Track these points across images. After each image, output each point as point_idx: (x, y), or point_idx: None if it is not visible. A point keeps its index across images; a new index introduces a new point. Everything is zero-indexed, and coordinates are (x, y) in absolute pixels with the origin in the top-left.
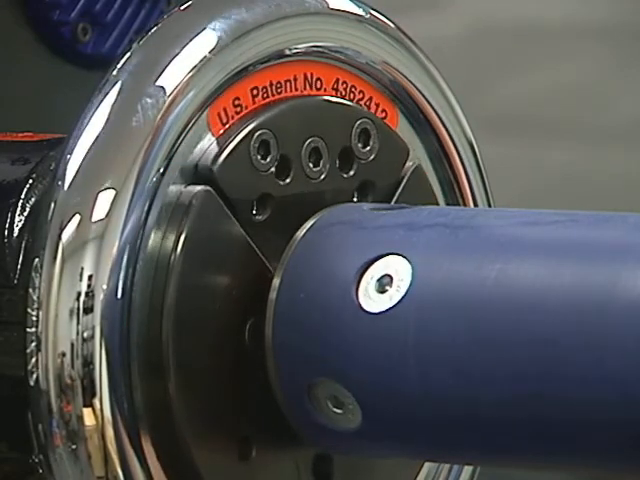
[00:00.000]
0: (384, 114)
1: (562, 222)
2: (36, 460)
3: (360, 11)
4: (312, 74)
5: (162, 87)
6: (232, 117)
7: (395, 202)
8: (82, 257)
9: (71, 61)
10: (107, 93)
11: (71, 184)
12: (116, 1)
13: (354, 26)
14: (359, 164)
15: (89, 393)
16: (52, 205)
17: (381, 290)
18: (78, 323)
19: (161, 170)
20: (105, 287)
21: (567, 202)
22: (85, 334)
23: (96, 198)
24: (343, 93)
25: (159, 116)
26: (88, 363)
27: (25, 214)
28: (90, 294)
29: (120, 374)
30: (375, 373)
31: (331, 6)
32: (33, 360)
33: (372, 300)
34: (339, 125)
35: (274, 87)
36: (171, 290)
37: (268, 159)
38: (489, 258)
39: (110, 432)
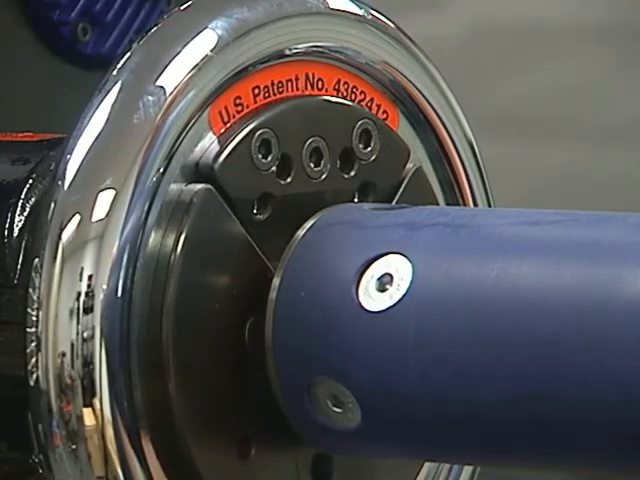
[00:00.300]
0: (385, 115)
1: (562, 222)
2: (36, 460)
3: (360, 11)
4: (314, 74)
5: (163, 86)
6: (233, 116)
7: (396, 203)
8: (82, 257)
9: (71, 61)
10: (108, 92)
11: (71, 184)
12: (116, 1)
13: (354, 26)
14: (360, 165)
15: (89, 393)
16: (52, 205)
17: (381, 289)
18: (78, 323)
19: (162, 169)
20: (105, 287)
21: (567, 202)
22: (85, 334)
23: (96, 198)
24: (344, 94)
25: (160, 114)
26: (88, 363)
27: (25, 214)
28: (90, 294)
29: (120, 374)
30: (375, 372)
31: (331, 6)
32: (33, 360)
33: (372, 299)
34: (340, 125)
35: (275, 87)
36: (171, 289)
37: (269, 158)
38: (489, 258)
39: (110, 432)
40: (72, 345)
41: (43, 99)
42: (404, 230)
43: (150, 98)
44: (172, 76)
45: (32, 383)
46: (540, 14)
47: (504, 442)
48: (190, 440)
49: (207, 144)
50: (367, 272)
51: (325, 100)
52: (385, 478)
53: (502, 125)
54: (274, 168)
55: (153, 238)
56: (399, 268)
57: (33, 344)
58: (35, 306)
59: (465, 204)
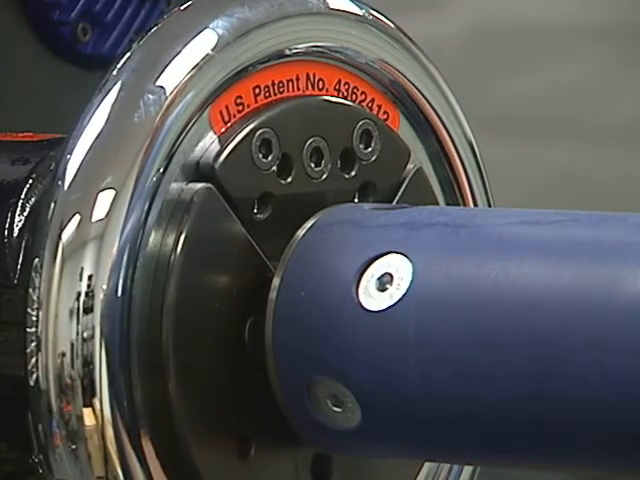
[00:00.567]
0: (386, 116)
1: (562, 222)
2: (36, 460)
3: (360, 11)
4: (314, 74)
5: (163, 85)
6: (234, 115)
7: (396, 203)
8: (82, 257)
9: (71, 61)
10: (108, 92)
11: (71, 184)
12: (116, 1)
13: (355, 26)
14: (360, 165)
15: (89, 393)
16: (52, 205)
17: (381, 288)
18: (78, 323)
19: (162, 168)
20: (105, 287)
21: (567, 202)
22: (85, 334)
23: (96, 198)
24: (345, 94)
25: (161, 113)
26: (88, 363)
27: (25, 214)
28: (90, 294)
29: (120, 374)
30: (375, 372)
31: (332, 6)
32: (33, 360)
33: (372, 298)
34: (341, 126)
35: (276, 86)
36: (171, 289)
37: (270, 158)
38: (489, 258)
39: (110, 432)
40: (72, 345)
41: (43, 99)
42: (404, 230)
43: (150, 97)
44: (172, 76)
45: (32, 383)
46: (540, 14)
47: (504, 442)
48: (190, 440)
49: (208, 143)
50: (367, 272)
51: (326, 100)
52: (385, 478)
53: (502, 125)
54: (274, 168)
55: (153, 238)
56: (399, 268)
57: (33, 344)
58: (35, 306)
59: (465, 204)
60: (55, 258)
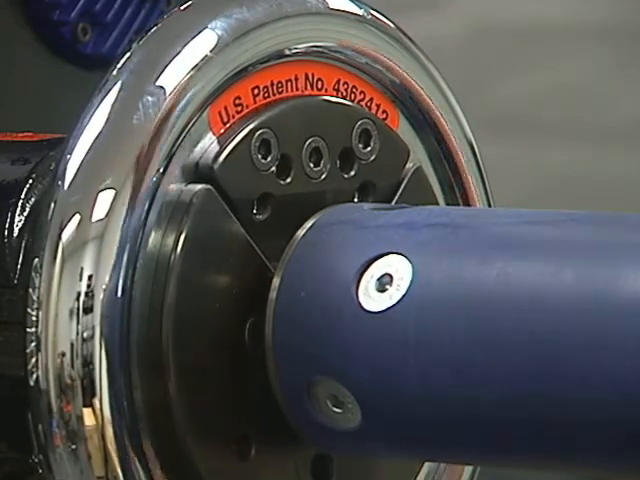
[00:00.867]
0: (385, 115)
1: (562, 222)
2: (36, 460)
3: (360, 11)
4: (313, 74)
5: (163, 86)
6: (233, 116)
7: (396, 203)
8: (82, 257)
9: (71, 61)
10: (108, 92)
11: (71, 184)
12: (116, 1)
13: (354, 26)
14: (360, 165)
15: (89, 393)
16: (52, 205)
17: (381, 289)
18: (78, 323)
19: (161, 169)
20: (105, 287)
21: (567, 202)
22: (85, 334)
23: (96, 198)
24: (344, 94)
25: (160, 114)
26: (88, 363)
27: (25, 214)
28: (90, 294)
29: (120, 374)
30: (375, 372)
31: (331, 6)
32: (33, 360)
33: (372, 299)
34: (340, 125)
35: (275, 87)
36: (171, 289)
37: (269, 158)
38: (489, 258)
39: (110, 432)
40: (72, 345)
41: (43, 99)
42: (404, 230)
43: (150, 99)
44: (172, 76)
45: (32, 383)
46: (540, 14)
47: (504, 442)
48: (190, 440)
49: (207, 144)
50: (367, 272)
51: (325, 100)
52: (385, 478)
53: (502, 125)
54: (274, 168)
55: (153, 238)
56: (399, 268)
57: (33, 344)
58: (35, 306)
59: (465, 204)
60: (55, 258)
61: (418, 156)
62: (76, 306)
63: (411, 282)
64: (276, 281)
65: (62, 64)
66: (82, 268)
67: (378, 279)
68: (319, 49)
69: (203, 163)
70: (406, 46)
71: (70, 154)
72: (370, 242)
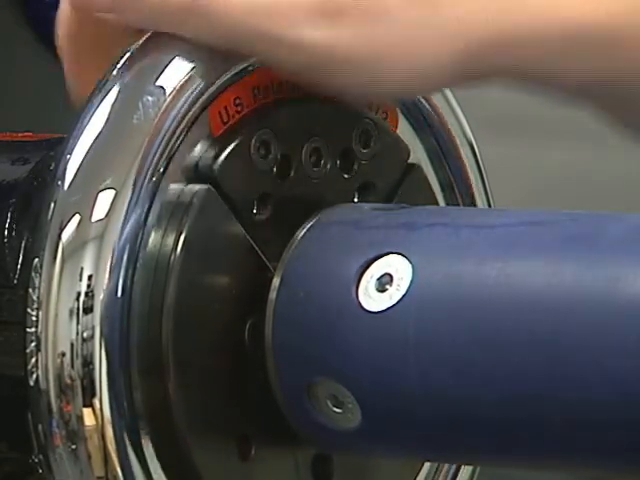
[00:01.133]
0: (385, 115)
1: (562, 222)
2: (36, 460)
3: None
4: None
5: (162, 86)
6: (233, 116)
7: (395, 203)
8: (82, 257)
9: None
10: (108, 92)
11: (71, 184)
12: None
13: None
14: (360, 165)
15: (89, 393)
16: (52, 205)
17: (381, 289)
18: (78, 323)
19: (161, 169)
20: (105, 287)
21: (567, 202)
22: (85, 334)
23: (96, 198)
24: None
25: (159, 115)
26: (88, 363)
27: (25, 214)
28: (90, 294)
29: (120, 374)
30: (375, 372)
31: None
32: (33, 360)
33: (372, 299)
34: (340, 126)
35: (275, 87)
36: (171, 289)
37: (269, 158)
38: (489, 258)
39: (110, 432)
40: (72, 345)
41: (43, 99)
42: (404, 230)
43: (149, 99)
44: (171, 77)
45: (32, 383)
46: None
47: (504, 442)
48: (190, 440)
49: (207, 145)
50: (367, 272)
51: (324, 100)
52: (385, 478)
53: (502, 125)
54: (274, 168)
55: (153, 238)
56: (399, 268)
57: (33, 344)
58: (35, 306)
59: (465, 204)
60: (55, 258)
61: (418, 156)
62: (76, 306)
63: (411, 282)
64: (276, 281)
65: (62, 64)
66: (82, 268)
67: (378, 279)
68: None
69: (203, 163)
70: None
71: (70, 154)
72: (370, 242)
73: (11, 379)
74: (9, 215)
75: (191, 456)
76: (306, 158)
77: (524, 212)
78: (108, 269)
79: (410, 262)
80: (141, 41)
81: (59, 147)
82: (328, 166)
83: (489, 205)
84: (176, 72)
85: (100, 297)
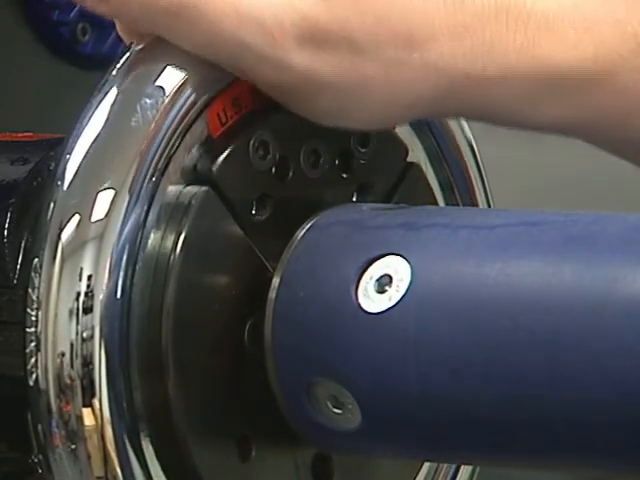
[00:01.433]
0: None
1: (562, 222)
2: (35, 460)
3: None
4: None
5: (161, 87)
6: (231, 117)
7: (394, 203)
8: (81, 257)
9: (70, 61)
10: (107, 93)
11: (70, 184)
12: None
13: None
14: (358, 165)
15: (88, 393)
16: (52, 205)
17: (380, 290)
18: (77, 323)
19: (160, 170)
20: (104, 287)
21: (567, 202)
22: (84, 334)
23: (95, 198)
24: None
25: (157, 117)
26: (87, 363)
27: (25, 214)
28: (90, 294)
29: (120, 374)
30: (374, 373)
31: None
32: (32, 360)
33: (371, 300)
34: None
35: None
36: (170, 290)
37: (267, 159)
38: (489, 258)
39: (109, 432)
40: (72, 345)
41: (43, 99)
42: (403, 231)
43: (148, 101)
44: (170, 78)
45: (31, 383)
46: None
47: (504, 442)
48: (190, 440)
49: (205, 146)
50: (366, 273)
51: None
52: (385, 478)
53: None
54: (272, 169)
55: (152, 239)
56: (398, 269)
57: (32, 344)
58: (34, 306)
59: (464, 204)
60: (54, 258)
61: (417, 155)
62: (76, 306)
63: (410, 283)
64: (275, 281)
65: (62, 64)
66: (82, 268)
67: (377, 280)
68: None
69: (202, 164)
70: None
71: (70, 154)
72: (369, 243)
73: (11, 379)
74: (9, 215)
75: (191, 456)
76: (304, 159)
77: (524, 212)
78: (108, 269)
79: (409, 263)
80: (142, 43)
81: (59, 147)
82: (327, 166)
83: (489, 205)
84: (174, 74)
85: (100, 297)
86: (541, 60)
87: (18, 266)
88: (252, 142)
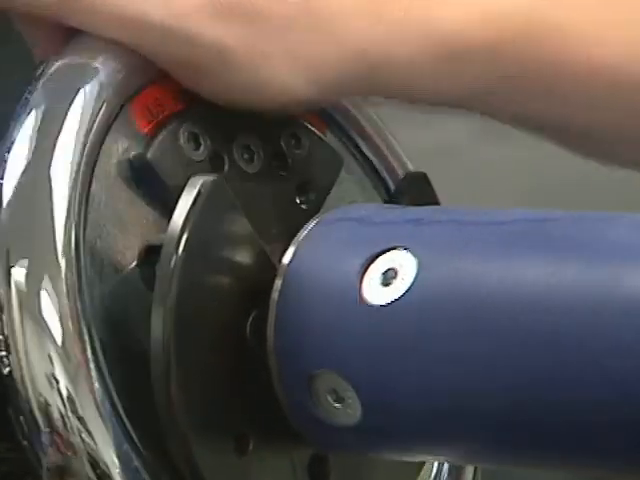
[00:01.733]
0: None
1: (562, 222)
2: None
3: None
4: None
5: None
6: (159, 114)
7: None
8: None
9: None
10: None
11: None
12: None
13: None
14: (294, 163)
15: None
16: None
17: (386, 283)
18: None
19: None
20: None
21: (567, 202)
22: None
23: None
24: None
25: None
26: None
27: None
28: None
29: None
30: (376, 367)
31: None
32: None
33: (376, 293)
34: (269, 126)
35: None
36: (172, 287)
37: (200, 150)
38: (492, 256)
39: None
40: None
41: None
42: (410, 225)
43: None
44: (85, 95)
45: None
46: None
47: (504, 440)
48: (190, 437)
49: (135, 140)
50: (372, 266)
51: None
52: (383, 478)
53: (502, 125)
54: (208, 160)
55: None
56: (403, 263)
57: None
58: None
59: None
60: None
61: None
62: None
63: (415, 277)
64: (280, 273)
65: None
66: None
67: (383, 273)
68: None
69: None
70: None
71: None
72: (376, 237)
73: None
74: None
75: (191, 453)
76: (238, 154)
77: (525, 211)
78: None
79: (415, 257)
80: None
81: None
82: (262, 163)
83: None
84: (88, 92)
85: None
86: (430, 24)
87: None
88: (182, 131)
